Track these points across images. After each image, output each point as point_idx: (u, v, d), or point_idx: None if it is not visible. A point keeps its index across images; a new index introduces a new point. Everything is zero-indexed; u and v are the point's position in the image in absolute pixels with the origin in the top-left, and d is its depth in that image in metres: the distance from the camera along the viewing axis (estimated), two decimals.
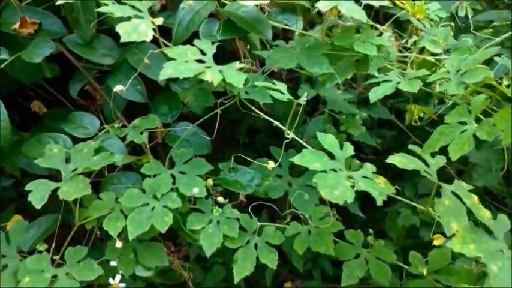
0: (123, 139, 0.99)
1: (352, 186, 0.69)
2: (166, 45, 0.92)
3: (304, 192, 1.01)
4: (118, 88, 0.87)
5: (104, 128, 1.03)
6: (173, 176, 0.90)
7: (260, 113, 0.88)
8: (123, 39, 0.78)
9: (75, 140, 1.02)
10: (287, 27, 0.99)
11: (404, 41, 1.03)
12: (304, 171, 1.05)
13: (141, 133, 0.94)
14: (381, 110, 1.54)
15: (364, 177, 0.73)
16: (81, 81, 1.09)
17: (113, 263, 0.91)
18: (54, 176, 0.94)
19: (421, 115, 1.07)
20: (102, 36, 1.01)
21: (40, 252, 0.94)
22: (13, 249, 0.95)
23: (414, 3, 0.97)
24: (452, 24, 1.12)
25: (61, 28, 1.06)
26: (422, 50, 1.01)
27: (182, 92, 1.00)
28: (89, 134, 1.02)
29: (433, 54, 0.98)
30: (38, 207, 0.83)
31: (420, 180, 1.60)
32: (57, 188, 0.86)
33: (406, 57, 1.00)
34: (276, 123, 0.86)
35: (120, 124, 1.02)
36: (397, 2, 0.96)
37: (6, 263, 0.93)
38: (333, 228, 0.88)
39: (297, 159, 0.74)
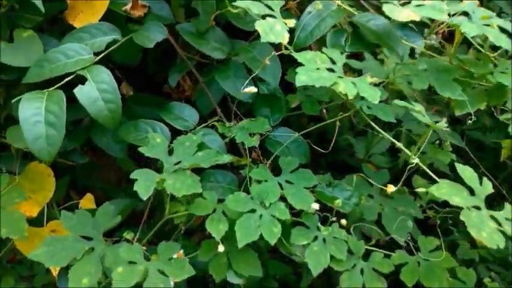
0: (222, 136, 0.94)
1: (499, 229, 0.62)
2: (286, 48, 0.87)
3: (396, 217, 0.95)
4: (250, 89, 0.80)
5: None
6: (279, 185, 0.84)
7: (382, 131, 0.82)
8: (263, 39, 0.72)
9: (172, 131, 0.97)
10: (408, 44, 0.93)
11: None
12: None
13: (251, 135, 0.88)
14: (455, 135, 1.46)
15: (507, 219, 0.66)
16: (181, 71, 1.04)
17: None
18: None
19: None
20: (216, 29, 0.96)
21: (128, 241, 0.90)
22: (99, 233, 0.90)
23: None
24: None
25: (169, 14, 1.00)
26: None
27: (290, 96, 0.94)
28: (187, 127, 0.96)
29: None
30: (144, 198, 0.77)
31: None
32: None
33: None
34: (399, 145, 0.80)
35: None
36: None
37: (93, 246, 0.88)
38: (446, 263, 0.81)
39: (434, 190, 0.68)
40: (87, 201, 1.17)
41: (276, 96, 0.97)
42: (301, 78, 0.72)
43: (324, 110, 1.01)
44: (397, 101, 0.77)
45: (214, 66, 1.00)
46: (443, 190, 0.67)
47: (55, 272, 1.08)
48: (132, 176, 0.80)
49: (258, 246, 1.69)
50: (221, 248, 0.78)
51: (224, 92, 0.99)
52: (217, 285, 1.58)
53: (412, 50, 1.09)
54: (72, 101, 0.85)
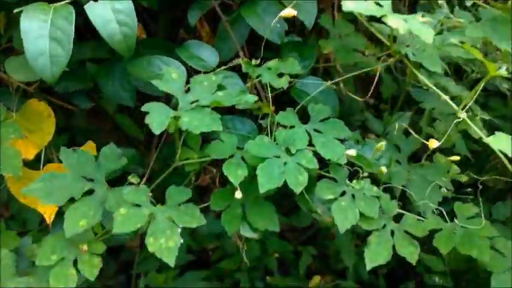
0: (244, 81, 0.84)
1: None
2: None
3: (424, 185, 0.87)
4: (289, 12, 0.70)
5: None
6: (307, 133, 0.75)
7: (429, 84, 0.72)
8: None
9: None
10: None
11: None
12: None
13: (280, 76, 0.78)
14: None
15: None
16: (202, 8, 0.94)
17: None
18: None
19: None
20: None
21: (132, 184, 0.81)
22: (102, 176, 0.81)
23: None
24: None
25: None
26: None
27: (323, 41, 0.84)
28: (205, 68, 0.86)
29: None
30: (157, 132, 0.68)
31: None
32: None
33: None
34: (445, 97, 0.71)
35: None
36: None
37: (93, 188, 0.79)
38: (486, 232, 0.73)
39: (492, 141, 0.59)
40: (89, 149, 1.08)
41: (306, 41, 0.87)
42: (349, 4, 0.62)
43: None
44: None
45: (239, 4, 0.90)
46: (502, 142, 0.58)
47: (49, 219, 0.99)
48: (144, 108, 0.71)
49: None
50: (238, 195, 0.69)
51: (248, 34, 0.89)
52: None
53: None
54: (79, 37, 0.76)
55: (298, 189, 0.66)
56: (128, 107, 1.00)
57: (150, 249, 0.68)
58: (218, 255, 1.63)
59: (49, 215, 0.99)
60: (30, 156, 0.99)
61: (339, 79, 0.82)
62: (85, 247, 0.73)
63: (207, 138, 0.78)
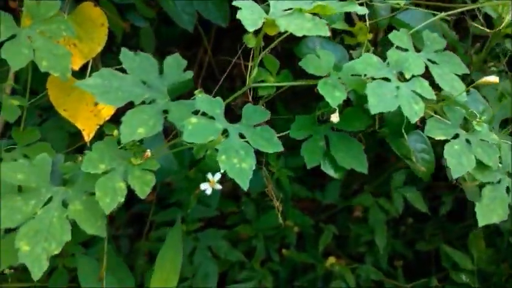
0: None
1: None
2: None
3: None
4: None
5: None
6: None
7: None
8: None
9: None
10: None
11: None
12: None
13: None
14: None
15: None
16: None
17: None
18: None
19: None
20: None
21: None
22: (164, 86, 0.70)
23: None
24: None
25: None
26: None
27: None
28: None
29: None
30: (251, 29, 0.56)
31: None
32: None
33: None
34: None
35: None
36: None
37: (154, 98, 0.67)
38: None
39: None
40: None
41: None
42: None
43: None
44: None
45: None
46: None
47: (88, 137, 0.88)
48: (236, 3, 0.59)
49: (285, 191, 1.50)
50: (335, 118, 0.57)
51: None
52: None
53: None
54: None
55: (413, 118, 0.55)
56: None
57: (222, 167, 0.57)
58: (234, 220, 1.52)
59: (88, 133, 0.88)
60: (76, 66, 0.88)
61: (450, 12, 0.70)
62: (148, 152, 0.62)
63: None
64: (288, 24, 0.56)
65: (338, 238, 1.66)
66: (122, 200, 0.61)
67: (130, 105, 0.66)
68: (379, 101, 0.55)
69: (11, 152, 0.82)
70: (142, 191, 0.63)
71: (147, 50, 1.00)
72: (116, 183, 0.62)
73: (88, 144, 0.87)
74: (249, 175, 0.57)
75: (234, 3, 0.59)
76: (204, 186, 0.80)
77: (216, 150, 0.57)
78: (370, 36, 0.68)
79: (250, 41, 0.64)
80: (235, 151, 0.58)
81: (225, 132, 0.59)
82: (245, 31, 0.55)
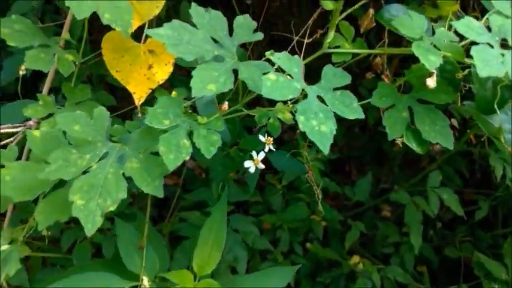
0: None
1: None
2: None
3: None
4: None
5: None
6: None
7: None
8: None
9: None
10: None
11: None
12: None
13: None
14: None
15: None
16: None
17: None
18: None
19: None
20: None
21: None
22: (233, 45, 0.65)
23: None
24: None
25: None
26: None
27: None
28: None
29: None
30: None
31: None
32: None
33: None
34: None
35: None
36: None
37: (224, 56, 0.63)
38: None
39: None
40: None
41: None
42: None
43: None
44: None
45: None
46: None
47: (138, 102, 0.84)
48: None
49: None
50: (432, 83, 0.52)
51: None
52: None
53: None
54: None
55: None
56: None
57: (302, 127, 0.52)
58: (258, 209, 1.47)
59: (139, 97, 0.84)
60: (132, 28, 0.84)
61: None
62: (226, 105, 0.57)
63: None
64: None
65: (362, 237, 1.61)
66: (187, 157, 0.57)
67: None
68: (486, 65, 0.50)
69: (61, 108, 0.78)
70: (208, 151, 0.58)
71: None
72: (180, 139, 0.58)
73: (138, 108, 0.83)
74: (329, 139, 0.52)
75: None
76: (248, 164, 0.77)
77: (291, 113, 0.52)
78: (457, 7, 0.62)
79: (328, 4, 0.59)
80: (314, 113, 0.53)
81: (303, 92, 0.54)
82: None
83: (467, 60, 0.54)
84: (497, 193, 1.44)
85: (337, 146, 1.66)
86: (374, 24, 0.82)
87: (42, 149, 0.68)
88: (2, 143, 0.86)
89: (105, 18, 0.70)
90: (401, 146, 0.84)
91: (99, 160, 0.61)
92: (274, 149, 0.78)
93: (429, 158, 1.68)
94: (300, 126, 0.52)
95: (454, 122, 1.59)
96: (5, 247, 0.67)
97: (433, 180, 1.38)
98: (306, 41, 0.83)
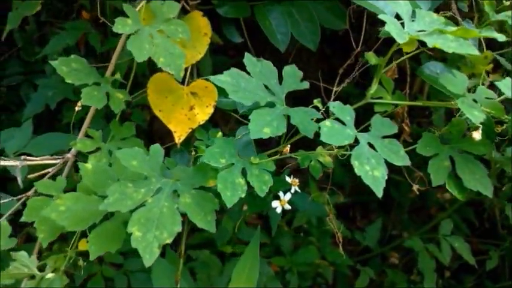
0: None
1: None
2: None
3: None
4: None
5: None
6: None
7: None
8: None
9: None
10: None
11: None
12: None
13: None
14: None
15: None
16: None
17: None
18: None
19: None
20: None
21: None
22: (283, 92, 0.70)
23: None
24: None
25: None
26: None
27: None
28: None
29: None
30: (401, 41, 0.57)
31: None
32: None
33: None
34: None
35: None
36: None
37: (274, 101, 0.67)
38: None
39: None
40: None
41: None
42: None
43: None
44: None
45: None
46: None
47: (179, 139, 0.87)
48: (381, 16, 0.60)
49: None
50: (478, 135, 0.57)
51: None
52: None
53: None
54: None
55: None
56: None
57: (357, 172, 0.55)
58: (267, 251, 1.48)
59: (179, 135, 0.88)
60: None
61: None
62: (288, 147, 0.61)
63: None
64: (434, 42, 0.57)
65: (370, 284, 1.61)
66: (242, 195, 0.60)
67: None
68: None
69: (107, 143, 0.82)
70: (261, 190, 0.61)
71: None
72: (236, 178, 0.61)
73: (178, 145, 0.87)
74: (382, 183, 0.55)
75: (379, 16, 0.60)
76: (275, 204, 0.79)
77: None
78: (490, 67, 0.68)
79: (372, 59, 0.65)
80: (367, 158, 0.57)
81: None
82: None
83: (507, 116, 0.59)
84: (506, 244, 1.46)
85: (344, 190, 1.69)
86: (396, 75, 0.89)
87: (92, 181, 0.71)
88: (40, 173, 0.88)
89: (160, 62, 0.75)
90: (417, 193, 0.89)
91: (153, 195, 0.64)
92: (299, 191, 0.81)
93: (437, 206, 1.72)
94: (356, 170, 0.55)
95: None
96: (50, 275, 0.68)
97: (445, 228, 1.41)
98: (334, 89, 0.89)
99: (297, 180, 0.81)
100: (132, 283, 1.20)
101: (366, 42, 0.91)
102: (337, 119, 0.59)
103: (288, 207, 0.80)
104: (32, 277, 0.70)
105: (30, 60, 1.35)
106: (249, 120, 0.60)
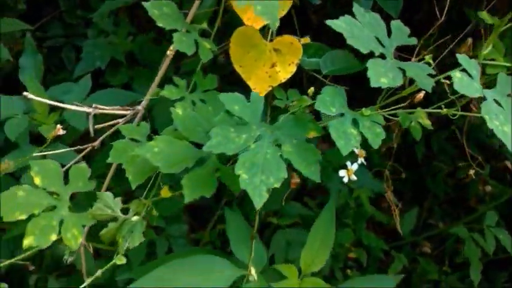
0: None
1: None
2: None
3: None
4: None
5: None
6: None
7: None
8: None
9: None
10: None
11: None
12: None
13: None
14: None
15: None
16: None
17: None
18: None
19: None
20: None
21: None
22: (392, 45, 0.67)
23: None
24: None
25: None
26: None
27: None
28: None
29: None
30: None
31: None
32: None
33: None
34: None
35: None
36: None
37: (385, 54, 0.64)
38: None
39: None
40: None
41: None
42: None
43: None
44: None
45: None
46: None
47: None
48: None
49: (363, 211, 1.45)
50: None
51: None
52: None
53: None
54: None
55: None
56: None
57: (489, 125, 0.53)
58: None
59: (259, 93, 0.85)
60: (258, 25, 0.85)
61: None
62: None
63: None
64: None
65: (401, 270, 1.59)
66: (356, 145, 0.57)
67: None
68: None
69: (191, 94, 0.79)
70: (374, 142, 0.58)
71: None
72: (347, 128, 0.58)
73: None
74: (510, 139, 0.53)
75: None
76: (342, 173, 0.77)
77: None
78: None
79: (488, 19, 0.61)
80: (495, 114, 0.54)
81: None
82: None
83: None
84: None
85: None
86: (471, 53, 0.85)
87: (183, 127, 0.69)
88: (111, 122, 0.86)
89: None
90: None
91: (254, 141, 0.61)
92: (365, 163, 0.78)
93: (477, 198, 1.69)
94: (488, 124, 0.53)
95: (508, 164, 1.61)
96: (134, 218, 0.65)
97: (489, 219, 1.39)
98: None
99: (363, 152, 0.78)
100: (173, 248, 1.18)
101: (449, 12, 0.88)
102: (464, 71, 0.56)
103: (354, 178, 0.78)
104: (114, 219, 0.68)
105: (72, 22, 1.33)
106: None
